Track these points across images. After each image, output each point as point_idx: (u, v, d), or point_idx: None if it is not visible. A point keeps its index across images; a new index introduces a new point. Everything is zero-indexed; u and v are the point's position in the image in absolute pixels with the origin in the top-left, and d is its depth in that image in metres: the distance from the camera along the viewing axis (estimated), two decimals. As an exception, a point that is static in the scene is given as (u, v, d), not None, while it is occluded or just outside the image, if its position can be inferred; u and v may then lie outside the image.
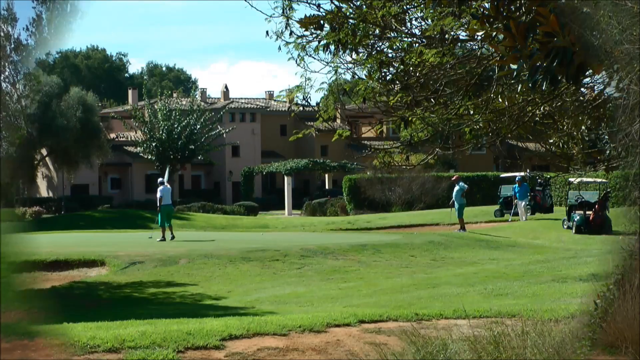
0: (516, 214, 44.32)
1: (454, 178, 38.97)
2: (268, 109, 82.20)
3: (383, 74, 8.62)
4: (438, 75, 8.42)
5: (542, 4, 4.31)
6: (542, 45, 4.23)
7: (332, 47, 8.22)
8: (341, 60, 8.68)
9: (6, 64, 20.78)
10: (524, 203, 40.27)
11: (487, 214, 42.96)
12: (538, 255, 25.98)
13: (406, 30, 8.39)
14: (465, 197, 36.65)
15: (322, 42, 8.28)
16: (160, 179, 32.53)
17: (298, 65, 8.74)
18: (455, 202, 35.94)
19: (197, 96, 79.92)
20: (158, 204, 31.50)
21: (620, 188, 50.15)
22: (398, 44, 8.50)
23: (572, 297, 15.32)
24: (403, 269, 23.49)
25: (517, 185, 40.01)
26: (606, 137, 8.35)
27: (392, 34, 8.37)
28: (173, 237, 30.72)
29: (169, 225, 31.18)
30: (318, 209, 59.59)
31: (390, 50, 8.64)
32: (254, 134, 79.46)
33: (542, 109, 8.44)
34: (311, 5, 8.29)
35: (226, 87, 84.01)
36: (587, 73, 4.43)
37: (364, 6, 8.16)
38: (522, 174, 43.73)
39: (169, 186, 32.36)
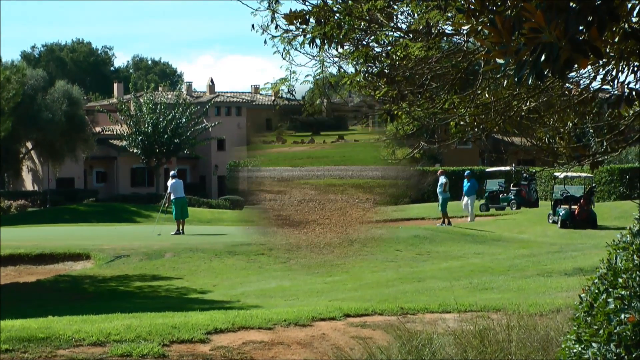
0: (502, 208, 44.30)
1: (438, 173, 38.87)
2: (254, 103, 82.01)
3: (369, 68, 8.61)
4: (424, 69, 8.42)
5: (528, -2, 4.31)
6: (528, 40, 4.22)
7: (317, 41, 8.19)
8: (327, 54, 8.67)
9: None
10: (470, 200, 37.98)
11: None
12: (523, 250, 26.03)
13: (392, 25, 8.38)
14: (448, 191, 36.16)
15: (307, 36, 8.26)
16: (172, 172, 32.50)
17: (284, 59, 8.72)
18: (439, 196, 35.82)
19: (182, 90, 79.76)
20: (168, 197, 31.46)
21: (605, 183, 50.41)
22: (384, 38, 8.49)
23: (557, 291, 15.36)
24: (388, 263, 23.51)
25: (465, 180, 37.87)
26: (591, 131, 8.37)
27: (378, 28, 8.36)
28: (182, 232, 30.53)
29: (183, 219, 31.06)
30: (304, 203, 59.54)
31: (376, 44, 8.63)
32: (240, 127, 79.31)
33: (528, 103, 8.45)
34: (297, -1, 8.28)
35: (212, 80, 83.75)
36: (573, 68, 4.42)
37: (350, 0, 8.15)
38: (508, 167, 43.83)
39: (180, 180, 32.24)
